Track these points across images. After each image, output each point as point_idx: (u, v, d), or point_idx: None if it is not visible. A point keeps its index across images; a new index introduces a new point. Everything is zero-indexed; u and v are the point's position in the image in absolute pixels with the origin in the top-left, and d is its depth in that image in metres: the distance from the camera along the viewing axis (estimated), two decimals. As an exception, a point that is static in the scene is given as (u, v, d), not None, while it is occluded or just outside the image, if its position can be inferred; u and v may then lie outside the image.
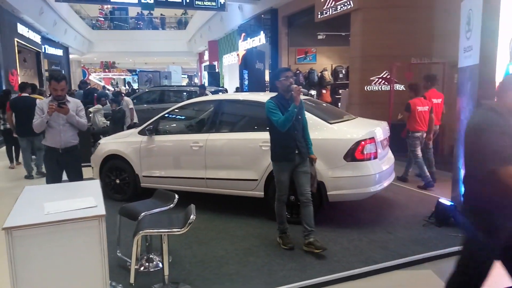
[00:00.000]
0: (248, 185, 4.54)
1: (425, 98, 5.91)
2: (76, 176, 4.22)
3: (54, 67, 19.79)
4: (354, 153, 4.10)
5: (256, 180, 4.46)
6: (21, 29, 14.37)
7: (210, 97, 6.54)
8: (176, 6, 16.64)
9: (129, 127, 7.91)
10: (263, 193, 4.46)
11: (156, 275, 3.27)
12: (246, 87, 13.82)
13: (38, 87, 9.78)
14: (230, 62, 19.19)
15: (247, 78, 13.84)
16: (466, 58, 4.13)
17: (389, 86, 8.11)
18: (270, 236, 4.05)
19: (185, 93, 11.69)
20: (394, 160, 4.91)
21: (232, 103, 5.22)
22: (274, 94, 3.91)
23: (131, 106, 8.78)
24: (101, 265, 2.26)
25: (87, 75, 31.09)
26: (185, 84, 25.33)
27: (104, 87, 25.54)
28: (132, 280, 2.92)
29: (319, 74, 12.34)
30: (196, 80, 29.35)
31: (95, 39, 26.94)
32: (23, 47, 14.81)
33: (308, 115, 4.01)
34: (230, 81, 18.85)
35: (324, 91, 12.34)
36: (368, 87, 8.38)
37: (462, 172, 4.14)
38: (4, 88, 11.29)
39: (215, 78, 19.91)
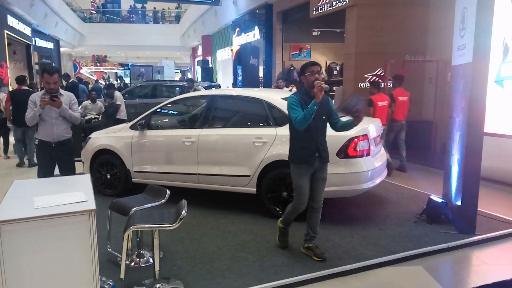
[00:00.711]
0: (241, 181, 4.52)
1: (392, 96, 6.50)
2: (68, 170, 4.18)
3: (45, 60, 19.47)
4: (347, 150, 4.11)
5: (249, 176, 4.44)
6: (11, 21, 14.10)
7: (203, 92, 6.49)
8: (170, 0, 16.46)
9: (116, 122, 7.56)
10: (255, 189, 4.45)
11: (147, 270, 3.26)
12: (240, 83, 13.77)
13: (28, 80, 9.68)
14: (224, 57, 19.08)
15: (241, 73, 13.78)
16: (460, 56, 4.14)
17: (383, 84, 8.13)
18: (262, 232, 4.05)
19: (177, 88, 11.63)
20: (386, 157, 4.92)
21: (225, 99, 5.19)
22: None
23: (119, 102, 8.33)
24: (91, 260, 2.24)
25: (78, 69, 30.75)
26: (178, 79, 25.17)
27: (96, 81, 25.21)
28: (122, 276, 2.89)
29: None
30: (190, 75, 29.17)
31: (87, 32, 26.57)
32: (13, 39, 14.54)
33: None
34: (224, 76, 18.76)
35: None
36: (362, 84, 8.39)
37: (454, 169, 4.18)
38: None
39: (208, 73, 19.79)
